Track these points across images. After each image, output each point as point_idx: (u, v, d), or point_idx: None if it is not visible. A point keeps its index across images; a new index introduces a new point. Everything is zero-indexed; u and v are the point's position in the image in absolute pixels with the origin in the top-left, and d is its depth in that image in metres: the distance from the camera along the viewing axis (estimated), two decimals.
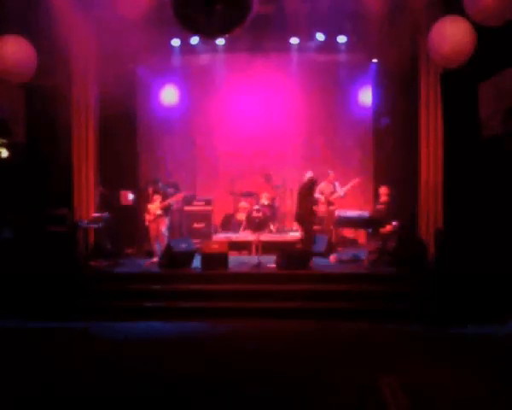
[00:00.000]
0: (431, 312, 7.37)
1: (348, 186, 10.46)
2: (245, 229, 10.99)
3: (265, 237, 10.31)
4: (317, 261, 8.96)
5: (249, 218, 10.79)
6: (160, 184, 9.80)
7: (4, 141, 8.49)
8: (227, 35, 7.31)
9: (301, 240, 9.51)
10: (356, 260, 9.32)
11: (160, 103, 11.80)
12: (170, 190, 10.03)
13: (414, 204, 9.49)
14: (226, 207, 11.74)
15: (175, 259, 8.61)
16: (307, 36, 10.41)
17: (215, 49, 10.75)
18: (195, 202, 11.13)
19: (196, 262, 8.79)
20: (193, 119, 11.71)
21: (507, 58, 7.31)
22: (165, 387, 5.06)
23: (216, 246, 8.72)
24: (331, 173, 10.44)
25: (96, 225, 9.41)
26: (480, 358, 5.83)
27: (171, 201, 9.56)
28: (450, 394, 4.81)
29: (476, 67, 7.59)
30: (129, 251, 10.25)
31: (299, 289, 7.94)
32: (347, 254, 9.67)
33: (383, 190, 9.51)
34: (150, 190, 9.57)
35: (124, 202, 10.25)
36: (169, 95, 11.81)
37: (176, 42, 10.62)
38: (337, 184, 10.44)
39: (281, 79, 11.40)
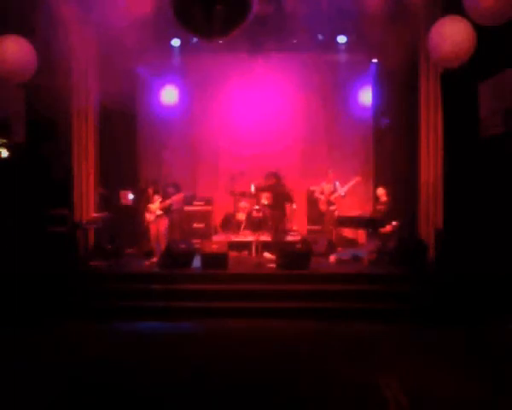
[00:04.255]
0: (431, 312, 7.37)
1: (349, 185, 10.47)
2: (245, 229, 10.98)
3: (265, 237, 10.31)
4: (317, 261, 8.97)
5: (249, 218, 10.79)
6: (160, 185, 9.80)
7: (4, 141, 8.48)
8: (227, 35, 7.30)
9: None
10: (356, 260, 9.32)
11: (160, 103, 11.80)
12: (170, 190, 10.03)
13: (414, 204, 9.49)
14: (226, 207, 11.74)
15: (175, 259, 8.61)
16: (307, 36, 10.40)
17: (215, 49, 10.73)
18: (195, 202, 11.13)
19: (196, 262, 8.80)
20: (193, 119, 11.71)
21: (507, 58, 7.31)
22: (165, 387, 5.05)
23: (216, 246, 8.72)
24: (331, 173, 10.44)
25: (95, 225, 9.42)
26: (480, 358, 5.83)
27: (171, 201, 9.56)
28: (450, 394, 4.81)
29: (476, 67, 7.59)
30: (129, 251, 10.25)
31: (299, 289, 7.94)
32: (347, 254, 9.67)
33: (381, 191, 9.57)
34: (150, 190, 9.57)
35: (124, 202, 10.25)
36: (169, 95, 11.81)
37: (176, 42, 10.62)
38: (337, 183, 10.44)
39: (281, 79, 11.40)
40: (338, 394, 4.84)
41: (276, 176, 9.84)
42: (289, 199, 10.04)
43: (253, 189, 10.07)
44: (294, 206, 10.14)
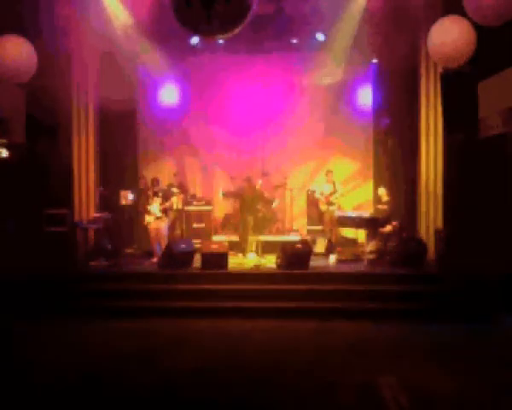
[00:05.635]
0: (431, 311, 7.37)
1: (349, 186, 10.50)
2: None
3: (266, 237, 10.32)
4: (317, 261, 8.97)
5: None
6: (161, 186, 9.80)
7: (4, 141, 8.49)
8: (227, 35, 7.30)
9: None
10: (356, 260, 9.32)
11: (160, 103, 11.79)
12: (174, 190, 10.04)
13: (414, 204, 9.50)
14: (226, 207, 11.74)
15: (175, 259, 8.60)
16: (307, 36, 10.40)
17: (215, 49, 10.74)
18: (195, 202, 11.12)
19: (196, 262, 8.80)
20: (193, 119, 11.69)
21: (507, 58, 7.31)
22: (165, 387, 5.06)
23: (216, 246, 8.72)
24: (331, 173, 10.44)
25: (96, 225, 9.42)
26: (481, 357, 5.83)
27: (170, 204, 9.57)
28: (450, 394, 4.80)
29: (476, 67, 7.59)
30: (129, 251, 10.26)
31: (299, 289, 7.94)
32: (347, 254, 9.66)
33: (382, 191, 9.60)
34: (150, 191, 9.58)
35: (124, 202, 10.25)
36: (169, 95, 11.80)
37: (176, 42, 10.61)
38: (337, 183, 10.44)
39: (280, 79, 11.38)
40: (338, 394, 4.84)
41: (248, 181, 9.89)
42: (264, 201, 10.06)
43: (220, 194, 10.07)
44: (274, 204, 10.07)
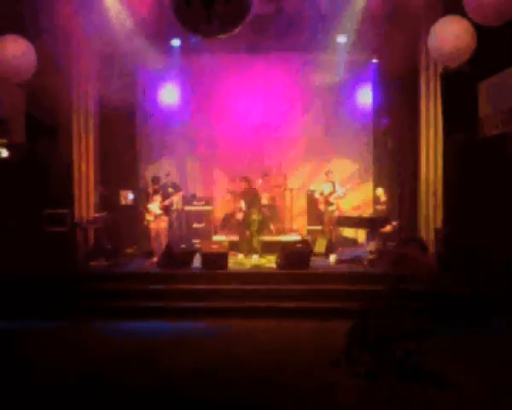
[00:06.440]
0: (431, 311, 7.36)
1: (348, 187, 10.49)
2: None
3: (265, 237, 10.31)
4: (317, 261, 8.97)
5: None
6: (161, 184, 9.80)
7: (4, 141, 8.49)
8: (227, 35, 7.31)
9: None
10: (356, 260, 9.32)
11: (160, 103, 11.79)
12: (170, 190, 10.04)
13: (414, 204, 9.50)
14: (226, 207, 11.74)
15: (175, 259, 8.61)
16: (307, 36, 10.40)
17: (215, 49, 10.73)
18: (195, 202, 11.13)
19: (196, 262, 8.80)
20: (193, 119, 11.69)
21: (507, 58, 7.31)
22: (165, 388, 5.05)
23: (216, 246, 8.73)
24: (330, 173, 10.44)
25: (96, 225, 9.42)
26: (481, 357, 5.82)
27: (170, 201, 9.56)
28: (449, 394, 4.80)
29: (476, 67, 7.59)
30: (129, 251, 10.25)
31: (299, 289, 7.94)
32: (347, 254, 9.67)
33: (380, 191, 9.62)
34: (150, 189, 9.58)
35: (124, 202, 10.25)
36: (169, 95, 11.81)
37: (176, 42, 10.62)
38: (337, 183, 10.45)
39: (281, 79, 11.39)
40: (338, 394, 4.84)
41: (246, 180, 9.90)
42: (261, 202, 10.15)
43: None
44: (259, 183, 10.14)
